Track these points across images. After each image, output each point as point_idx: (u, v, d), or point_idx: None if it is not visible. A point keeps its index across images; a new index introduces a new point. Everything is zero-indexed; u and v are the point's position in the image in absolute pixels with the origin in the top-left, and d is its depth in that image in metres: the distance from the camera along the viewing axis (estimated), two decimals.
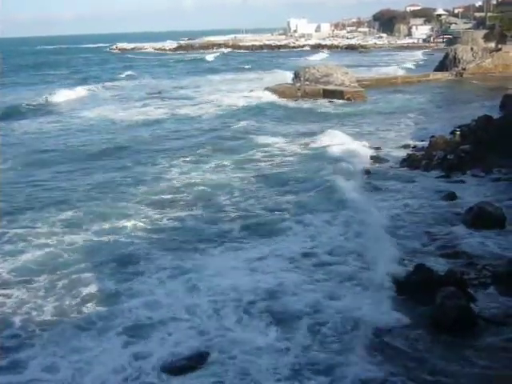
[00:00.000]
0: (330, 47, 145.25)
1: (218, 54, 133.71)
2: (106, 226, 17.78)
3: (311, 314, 11.88)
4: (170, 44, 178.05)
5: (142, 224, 17.88)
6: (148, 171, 24.93)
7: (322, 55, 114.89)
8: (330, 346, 10.79)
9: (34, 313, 12.48)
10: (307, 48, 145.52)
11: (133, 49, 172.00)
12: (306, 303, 12.29)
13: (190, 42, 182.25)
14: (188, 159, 26.88)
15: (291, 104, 46.01)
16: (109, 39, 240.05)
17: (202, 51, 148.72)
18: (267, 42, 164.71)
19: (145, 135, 34.07)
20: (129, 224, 17.78)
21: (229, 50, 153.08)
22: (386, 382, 9.70)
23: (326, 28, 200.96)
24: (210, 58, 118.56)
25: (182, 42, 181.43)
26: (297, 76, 53.98)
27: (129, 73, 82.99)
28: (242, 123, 36.06)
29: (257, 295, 12.72)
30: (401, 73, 67.75)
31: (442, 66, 67.01)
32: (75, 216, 18.75)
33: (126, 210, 19.36)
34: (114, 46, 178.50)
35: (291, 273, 13.98)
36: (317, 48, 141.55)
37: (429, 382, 9.77)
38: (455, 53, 65.75)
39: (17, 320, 12.20)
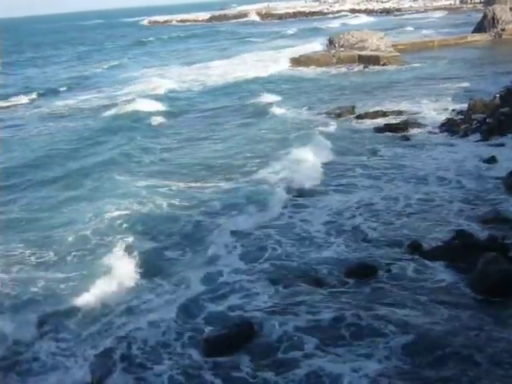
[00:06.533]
0: (364, 12, 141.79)
1: None
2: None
3: None
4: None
5: None
6: None
7: None
8: None
9: None
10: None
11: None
12: None
13: (224, 12, 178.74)
14: None
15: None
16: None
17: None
18: (301, 10, 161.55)
19: None
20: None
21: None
22: None
23: None
24: None
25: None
26: (331, 43, 53.33)
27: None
28: None
29: None
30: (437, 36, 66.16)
31: (480, 28, 65.16)
32: None
33: None
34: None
35: None
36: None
37: None
38: (493, 13, 63.74)
39: None
